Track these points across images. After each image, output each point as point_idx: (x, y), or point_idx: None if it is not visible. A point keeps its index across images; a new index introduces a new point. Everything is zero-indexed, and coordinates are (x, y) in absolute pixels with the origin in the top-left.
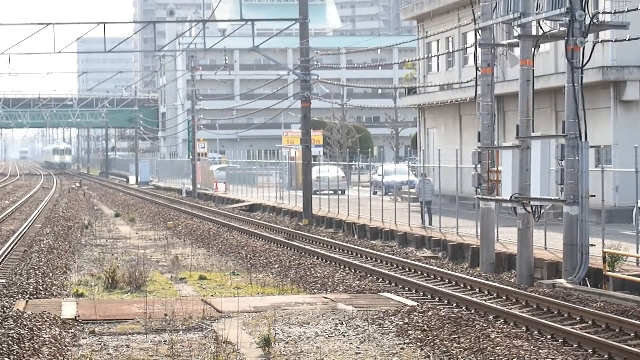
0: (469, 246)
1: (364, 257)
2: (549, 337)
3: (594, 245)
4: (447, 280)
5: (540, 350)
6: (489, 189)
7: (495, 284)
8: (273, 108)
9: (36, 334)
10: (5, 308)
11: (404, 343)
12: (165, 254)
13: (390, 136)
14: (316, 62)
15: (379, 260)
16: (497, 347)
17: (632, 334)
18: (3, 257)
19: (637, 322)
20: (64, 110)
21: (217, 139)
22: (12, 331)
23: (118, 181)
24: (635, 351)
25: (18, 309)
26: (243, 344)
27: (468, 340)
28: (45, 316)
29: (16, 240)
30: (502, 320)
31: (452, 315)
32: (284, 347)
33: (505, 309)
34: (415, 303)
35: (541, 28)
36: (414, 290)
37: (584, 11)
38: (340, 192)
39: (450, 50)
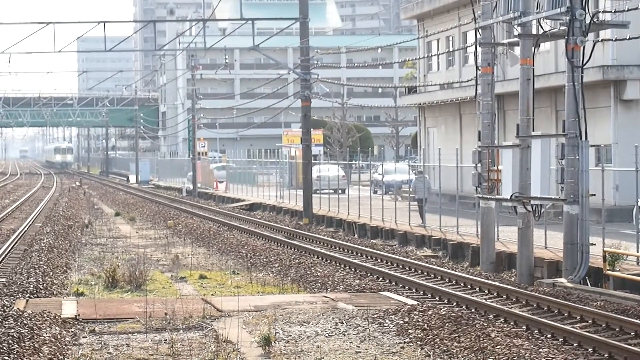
0: (469, 245)
1: (364, 256)
2: (549, 336)
3: (594, 244)
4: (447, 280)
5: (540, 350)
6: (489, 188)
7: (496, 283)
8: (273, 107)
9: (36, 333)
10: (5, 307)
11: (404, 342)
12: (166, 253)
13: (391, 135)
14: (316, 61)
15: (379, 260)
16: (498, 346)
17: (632, 333)
18: (3, 256)
19: (638, 321)
20: (64, 109)
21: (218, 138)
22: (13, 330)
23: (118, 180)
24: (635, 350)
25: (18, 308)
26: (243, 343)
27: (468, 340)
28: (45, 315)
29: (16, 239)
30: (502, 320)
31: (453, 314)
32: (284, 346)
33: (506, 308)
34: (415, 302)
35: (541, 27)
36: (414, 290)
37: (584, 10)
38: (340, 191)
39: (451, 50)
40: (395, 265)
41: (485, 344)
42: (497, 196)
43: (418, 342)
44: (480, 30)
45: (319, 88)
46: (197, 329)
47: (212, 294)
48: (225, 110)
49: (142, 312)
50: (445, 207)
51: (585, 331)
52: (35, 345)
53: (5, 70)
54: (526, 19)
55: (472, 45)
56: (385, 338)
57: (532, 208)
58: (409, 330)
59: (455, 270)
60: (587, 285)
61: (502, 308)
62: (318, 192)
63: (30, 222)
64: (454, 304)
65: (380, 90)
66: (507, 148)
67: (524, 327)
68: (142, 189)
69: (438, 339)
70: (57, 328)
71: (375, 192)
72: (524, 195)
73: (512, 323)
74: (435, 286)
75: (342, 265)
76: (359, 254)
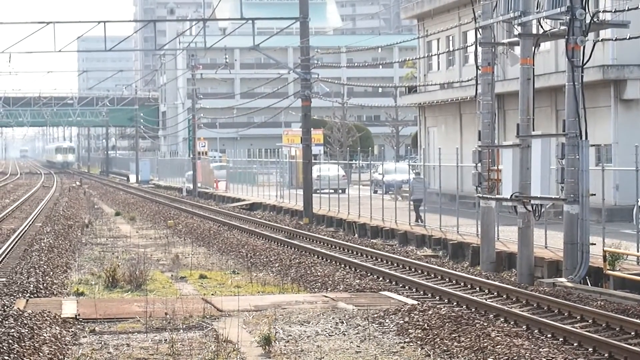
0: (469, 245)
1: (364, 256)
2: (549, 335)
3: (595, 244)
4: (447, 279)
5: (540, 349)
6: (490, 187)
7: (496, 283)
8: (273, 107)
9: (37, 332)
10: (5, 307)
11: (405, 342)
12: (166, 252)
13: (391, 135)
14: (317, 60)
15: (379, 259)
16: (498, 346)
17: (632, 333)
18: (3, 256)
19: (638, 321)
20: (64, 109)
21: (218, 138)
22: (13, 330)
23: (118, 180)
24: (635, 350)
25: (18, 308)
26: (243, 343)
27: (468, 339)
28: (45, 315)
29: (17, 239)
30: (502, 319)
31: (453, 314)
32: (285, 346)
33: (506, 308)
34: (415, 302)
35: (541, 27)
36: (414, 289)
37: (585, 10)
38: (340, 191)
39: (451, 49)
40: (395, 265)
41: (485, 344)
42: (497, 196)
43: (418, 342)
44: (480, 29)
45: (319, 88)
46: (197, 329)
47: (212, 294)
48: (225, 109)
49: (142, 312)
50: (446, 206)
51: (586, 331)
52: (36, 345)
53: (6, 69)
54: (526, 19)
55: (472, 45)
56: (386, 338)
57: (532, 208)
58: (409, 330)
59: (456, 270)
60: (587, 285)
61: (503, 308)
62: (318, 191)
63: (31, 222)
64: (454, 303)
65: (380, 89)
66: (507, 148)
67: (524, 326)
68: (142, 188)
69: (438, 339)
70: (57, 328)
71: (375, 192)
72: (524, 195)
73: (512, 323)
74: (435, 286)
75: (342, 265)
76: (359, 254)
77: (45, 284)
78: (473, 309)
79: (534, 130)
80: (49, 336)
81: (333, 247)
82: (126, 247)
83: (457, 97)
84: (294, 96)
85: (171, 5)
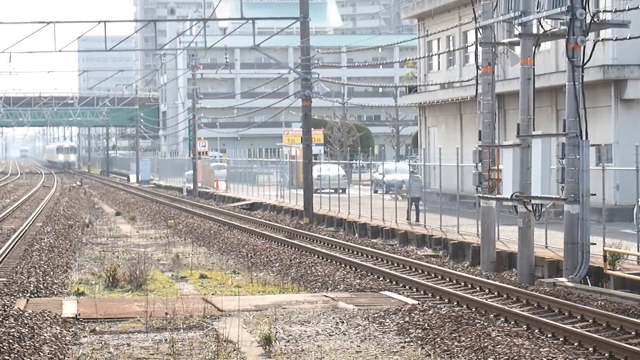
0: (469, 245)
1: (364, 255)
2: (549, 335)
3: (595, 243)
4: (447, 279)
5: (541, 349)
6: (490, 187)
7: (496, 283)
8: (274, 107)
9: (37, 332)
10: (6, 307)
11: (405, 342)
12: (166, 252)
13: (391, 135)
14: (317, 60)
15: (379, 259)
16: (498, 346)
17: (632, 333)
18: (4, 255)
19: (638, 320)
20: (64, 108)
21: (218, 138)
22: (13, 330)
23: (119, 180)
24: (636, 350)
25: (19, 308)
26: (244, 343)
27: (469, 339)
28: (46, 315)
29: (17, 238)
30: (502, 319)
31: (453, 313)
32: (285, 345)
33: (506, 308)
34: (416, 302)
35: (542, 27)
36: (414, 289)
37: (585, 10)
38: (341, 190)
39: (451, 49)
40: (395, 264)
41: (485, 344)
42: (497, 196)
43: (418, 342)
44: (480, 29)
45: (319, 87)
46: (198, 329)
47: (212, 294)
48: (225, 109)
49: (142, 312)
50: (446, 206)
51: (586, 331)
52: (36, 344)
53: (6, 69)
54: (527, 19)
55: (472, 45)
56: (386, 337)
57: (533, 207)
58: (410, 330)
59: (456, 270)
60: (588, 284)
61: (503, 307)
62: (318, 191)
63: (31, 222)
64: (455, 303)
65: (380, 89)
66: (508, 147)
67: (524, 326)
68: (142, 188)
69: (439, 339)
70: (57, 327)
71: (375, 192)
72: (524, 194)
73: (512, 322)
74: (435, 286)
75: (343, 265)
76: (360, 254)
77: (45, 284)
78: (473, 309)
79: (534, 130)
80: (50, 336)
81: (333, 247)
82: (126, 247)
83: (457, 97)
84: (295, 96)
85: (171, 5)
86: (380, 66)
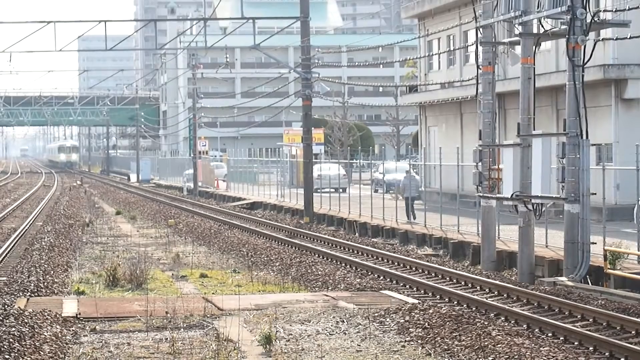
0: (470, 244)
1: (365, 255)
2: (550, 334)
3: (595, 243)
4: (448, 278)
5: (541, 348)
6: (490, 187)
7: (497, 282)
8: (274, 106)
9: (37, 331)
10: (6, 306)
11: (405, 341)
12: (167, 251)
13: (392, 134)
14: (317, 60)
15: (380, 258)
16: (498, 345)
17: (633, 332)
18: (4, 255)
19: (638, 319)
20: (65, 108)
21: (218, 137)
22: (13, 329)
23: (119, 179)
24: (636, 349)
25: (19, 307)
26: (244, 342)
27: (469, 338)
28: (46, 314)
29: (17, 238)
30: (503, 318)
31: (453, 313)
32: (285, 344)
33: (507, 307)
34: (416, 301)
35: (542, 26)
36: (415, 288)
37: (585, 9)
38: (341, 190)
39: (452, 49)
40: (396, 264)
41: (486, 343)
42: (497, 195)
43: (419, 341)
44: (481, 29)
45: (319, 87)
46: (198, 328)
47: (212, 293)
48: (226, 109)
49: (142, 311)
50: (446, 206)
51: (586, 330)
52: (36, 343)
53: (6, 69)
54: (527, 18)
55: (473, 44)
56: (386, 337)
57: (533, 207)
58: (410, 329)
59: (456, 269)
60: (588, 284)
61: (503, 307)
62: (319, 191)
63: (31, 221)
64: (455, 302)
65: (381, 89)
66: (508, 147)
67: (524, 325)
68: (143, 187)
69: (439, 338)
70: (57, 327)
71: (376, 191)
72: (524, 194)
73: (513, 322)
74: (436, 285)
75: (343, 264)
76: (360, 253)
77: (45, 283)
78: (474, 308)
79: (534, 129)
80: (50, 335)
81: (334, 246)
82: (127, 246)
83: (457, 97)
84: (295, 95)
85: (172, 4)
86: (381, 66)
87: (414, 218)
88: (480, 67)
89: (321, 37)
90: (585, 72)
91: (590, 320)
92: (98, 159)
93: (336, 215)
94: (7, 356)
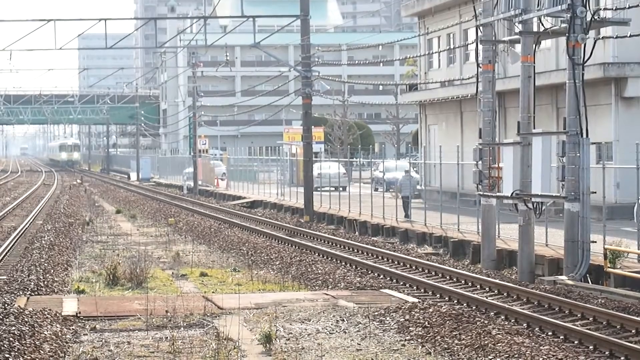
0: (470, 243)
1: (365, 253)
2: (550, 333)
3: (595, 241)
4: (448, 277)
5: (541, 347)
6: (490, 185)
7: (497, 281)
8: (274, 105)
9: (37, 330)
10: (6, 304)
11: (405, 340)
12: (167, 250)
13: (392, 133)
14: (317, 58)
15: (380, 257)
16: (498, 344)
17: (633, 331)
18: (4, 253)
19: (639, 318)
20: (65, 106)
21: (218, 136)
22: (13, 328)
23: (119, 178)
24: (636, 348)
25: (19, 306)
26: (244, 341)
27: (469, 337)
28: (46, 313)
29: (17, 236)
30: (503, 317)
31: (453, 311)
32: (285, 343)
33: (507, 306)
34: (416, 300)
35: (542, 25)
36: (415, 287)
37: (585, 8)
38: (341, 188)
39: (452, 47)
40: (396, 262)
41: (486, 342)
42: (498, 194)
43: (419, 340)
44: (481, 27)
45: (319, 85)
46: (198, 327)
47: (213, 292)
48: (226, 107)
49: (142, 310)
50: (446, 204)
51: (586, 329)
52: (36, 342)
53: (6, 67)
54: (527, 17)
55: (473, 43)
56: (386, 335)
57: (533, 205)
58: (410, 328)
59: (456, 268)
60: (588, 282)
61: (503, 306)
62: (319, 189)
63: (31, 220)
64: (455, 301)
65: (381, 87)
66: (508, 145)
67: (524, 324)
68: (143, 186)
69: (439, 337)
70: (57, 325)
71: (376, 190)
72: (524, 192)
73: (513, 321)
74: (436, 284)
75: (343, 263)
76: (360, 252)
77: (46, 282)
78: (474, 307)
79: (534, 128)
80: (50, 334)
81: (334, 244)
82: (127, 245)
83: (457, 95)
84: (295, 94)
85: (172, 2)
86: (381, 64)
87: (408, 216)
88: (481, 65)
89: (321, 36)
90: (585, 70)
91: (590, 319)
92: (98, 158)
93: (336, 214)
94: (7, 355)
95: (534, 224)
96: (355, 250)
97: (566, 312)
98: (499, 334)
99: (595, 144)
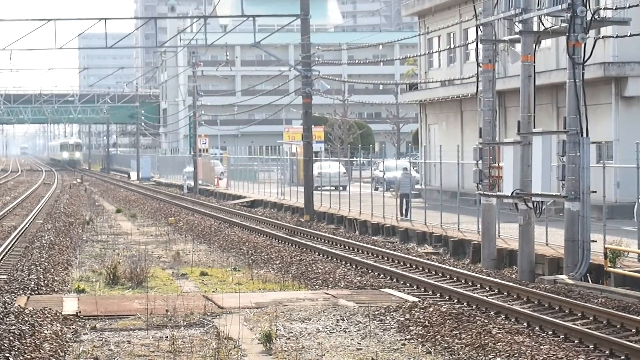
0: (470, 242)
1: (365, 253)
2: (550, 333)
3: (595, 241)
4: (448, 276)
5: (541, 346)
6: (491, 185)
7: (497, 280)
8: (274, 104)
9: (37, 329)
10: (6, 304)
11: (406, 339)
12: (167, 250)
13: (392, 132)
14: (317, 58)
15: (380, 257)
16: (499, 343)
17: (633, 330)
18: (4, 253)
19: (639, 318)
20: (65, 106)
21: (219, 135)
22: (14, 327)
23: (119, 177)
24: (636, 347)
25: (19, 305)
26: (244, 340)
27: (469, 336)
28: (46, 312)
29: (17, 236)
30: (503, 316)
31: (454, 311)
32: (285, 343)
33: (507, 305)
34: (416, 299)
35: (542, 24)
36: (415, 286)
37: (585, 7)
38: (341, 188)
39: (452, 46)
40: (396, 262)
41: (486, 341)
42: (498, 193)
43: (419, 339)
44: (481, 27)
45: (320, 85)
46: (198, 326)
47: (213, 291)
48: (226, 107)
49: (143, 309)
50: (447, 203)
51: (587, 328)
52: (37, 342)
53: (7, 67)
54: (527, 16)
55: (473, 42)
56: (387, 335)
57: (533, 205)
58: (410, 327)
59: (456, 267)
60: (588, 282)
61: (503, 305)
62: (319, 189)
63: (32, 219)
64: (455, 300)
65: (381, 87)
66: (508, 145)
67: (525, 324)
68: (143, 185)
69: (439, 336)
70: (58, 325)
71: (376, 189)
72: (525, 192)
73: (513, 320)
74: (436, 283)
75: (343, 262)
76: (360, 251)
77: (46, 281)
78: (474, 306)
79: (534, 127)
80: (50, 333)
81: (334, 244)
82: (127, 244)
83: (458, 95)
84: (295, 93)
85: (172, 2)
86: (381, 63)
87: (406, 216)
88: (481, 64)
89: (321, 35)
90: (585, 69)
91: (591, 318)
92: (98, 157)
93: (336, 213)
94: (7, 354)
95: (534, 223)
96: (356, 250)
97: (566, 311)
98: (499, 333)
99: (595, 143)
